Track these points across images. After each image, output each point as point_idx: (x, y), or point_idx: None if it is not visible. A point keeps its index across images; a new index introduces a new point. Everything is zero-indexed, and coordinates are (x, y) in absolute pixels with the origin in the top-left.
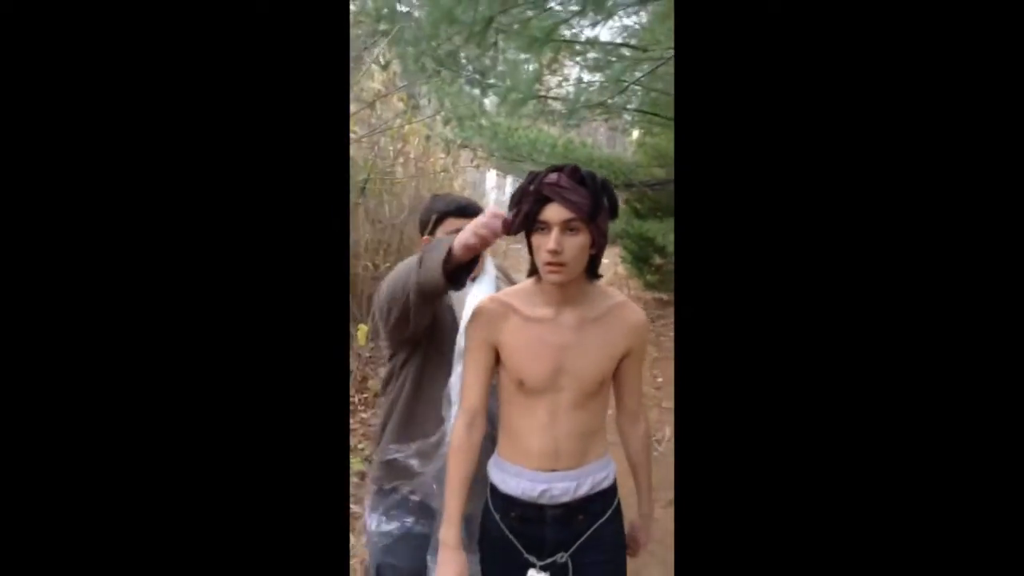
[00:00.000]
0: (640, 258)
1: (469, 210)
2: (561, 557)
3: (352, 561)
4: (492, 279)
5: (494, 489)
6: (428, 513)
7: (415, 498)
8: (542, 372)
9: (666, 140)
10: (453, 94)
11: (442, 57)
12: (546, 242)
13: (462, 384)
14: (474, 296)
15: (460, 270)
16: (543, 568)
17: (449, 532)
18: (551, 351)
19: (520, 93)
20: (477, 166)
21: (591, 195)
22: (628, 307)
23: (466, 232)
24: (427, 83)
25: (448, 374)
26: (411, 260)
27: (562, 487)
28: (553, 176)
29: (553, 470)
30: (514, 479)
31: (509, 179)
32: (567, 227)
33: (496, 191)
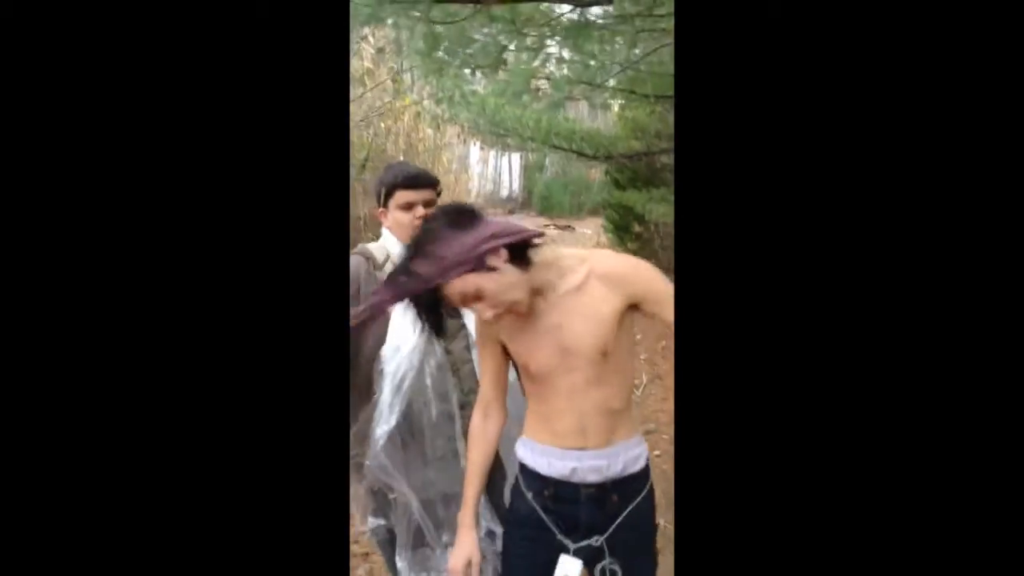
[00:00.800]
0: (621, 227)
1: (420, 180)
2: (596, 541)
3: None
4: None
5: (523, 467)
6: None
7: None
8: (543, 357)
9: (643, 113)
10: (445, 74)
11: (437, 40)
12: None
13: (480, 374)
14: None
15: None
16: (576, 552)
17: (465, 513)
18: (544, 335)
19: (517, 86)
20: (464, 140)
21: (489, 237)
22: (601, 263)
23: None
24: (419, 64)
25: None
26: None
27: (592, 465)
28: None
29: (583, 448)
30: (543, 457)
31: (492, 152)
32: (457, 296)
33: (480, 164)
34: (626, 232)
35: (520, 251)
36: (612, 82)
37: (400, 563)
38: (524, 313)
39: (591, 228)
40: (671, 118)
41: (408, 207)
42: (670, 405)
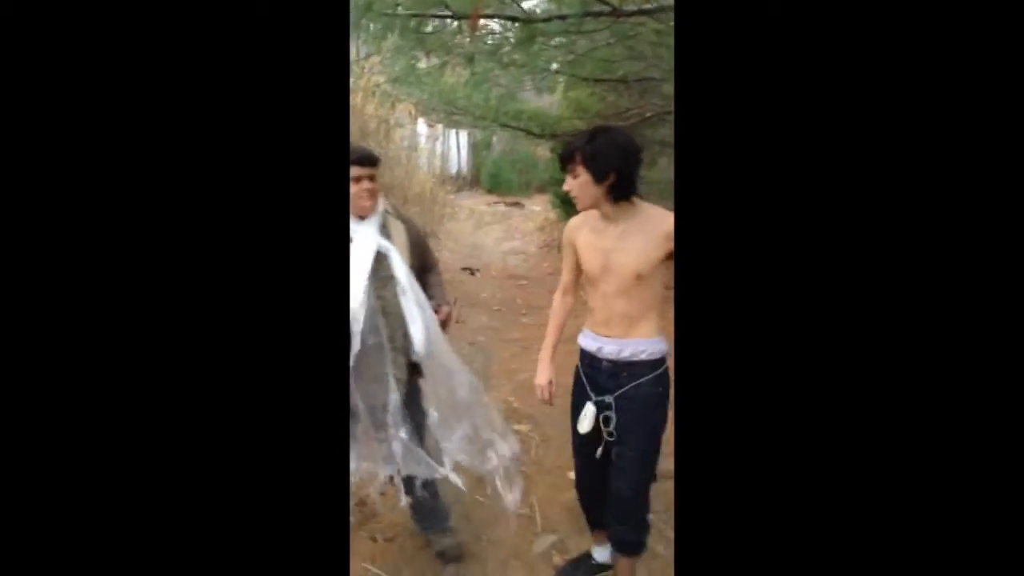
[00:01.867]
0: (567, 202)
1: (367, 159)
2: (607, 398)
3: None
4: (379, 216)
5: (580, 348)
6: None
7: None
8: (592, 267)
9: (585, 95)
10: (399, 55)
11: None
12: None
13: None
14: (361, 234)
15: None
16: (596, 403)
17: (544, 352)
18: (599, 252)
19: (480, 76)
20: (415, 118)
21: (580, 148)
22: (661, 216)
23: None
24: (373, 46)
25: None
26: None
27: (610, 348)
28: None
29: (607, 336)
30: (585, 338)
31: (440, 128)
32: (571, 173)
33: (430, 142)
34: (572, 207)
35: (625, 191)
36: (555, 66)
37: (352, 453)
38: (601, 225)
39: (539, 205)
40: (611, 99)
41: (357, 180)
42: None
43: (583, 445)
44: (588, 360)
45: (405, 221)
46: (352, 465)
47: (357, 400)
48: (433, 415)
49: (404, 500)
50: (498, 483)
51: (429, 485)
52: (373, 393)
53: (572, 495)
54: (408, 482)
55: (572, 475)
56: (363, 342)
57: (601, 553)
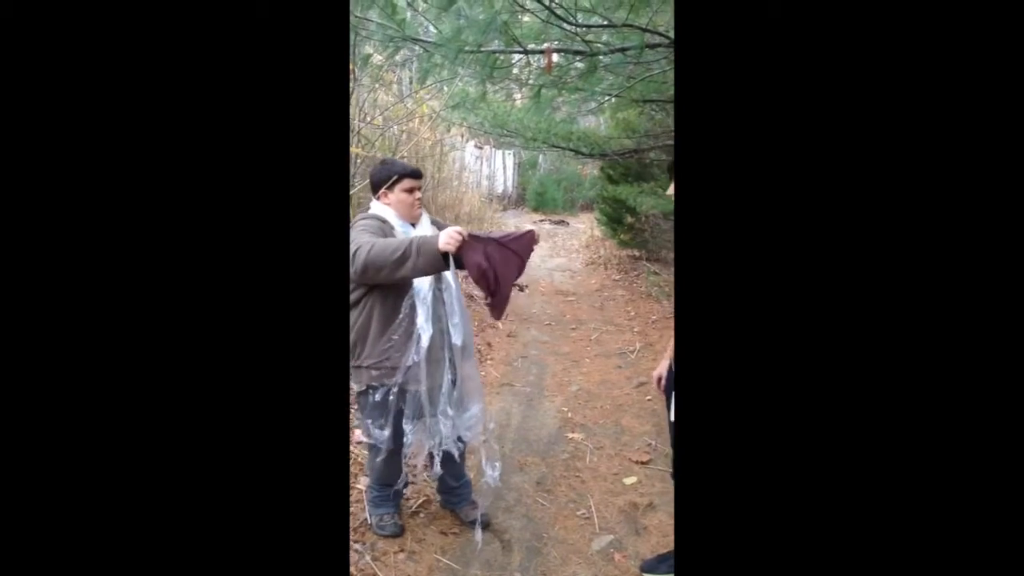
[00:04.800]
0: (614, 219)
1: (418, 173)
2: None
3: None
4: (428, 221)
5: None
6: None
7: (394, 392)
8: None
9: (634, 115)
10: (465, 82)
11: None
12: None
13: None
14: (419, 234)
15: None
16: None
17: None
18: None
19: (543, 104)
20: (465, 140)
21: None
22: None
23: (444, 238)
24: (442, 76)
25: (401, 295)
26: (391, 245)
27: None
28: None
29: None
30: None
31: (488, 148)
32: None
33: (477, 161)
34: (619, 224)
35: None
36: (611, 92)
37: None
38: None
39: (584, 223)
40: (659, 117)
41: (410, 191)
42: (656, 363)
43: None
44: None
45: (438, 225)
46: (408, 439)
47: (423, 380)
48: (456, 394)
49: (437, 470)
50: (483, 454)
51: (450, 459)
52: (433, 374)
53: (626, 499)
54: (448, 457)
55: (626, 480)
56: (431, 330)
57: None
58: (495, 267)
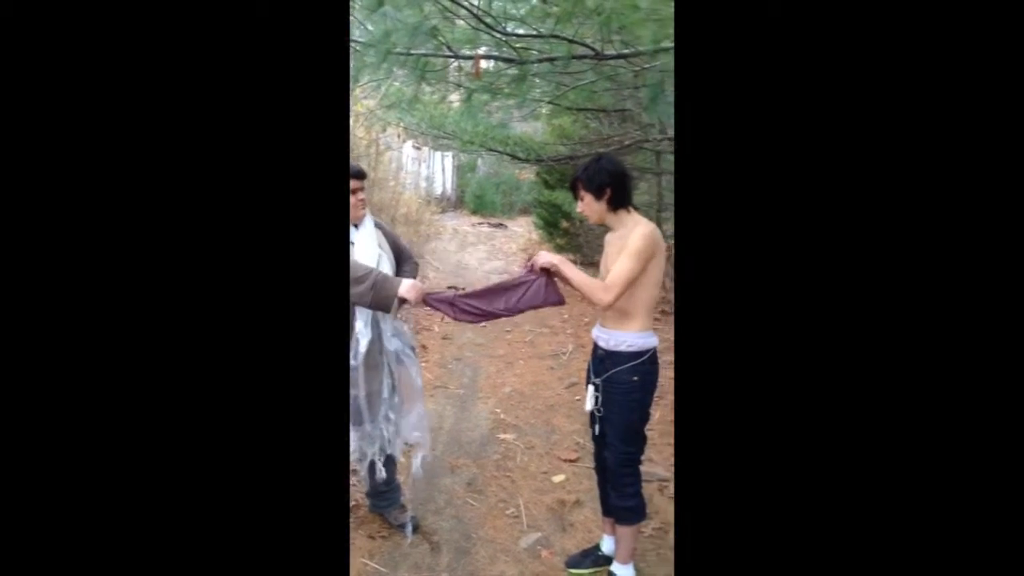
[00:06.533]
0: (551, 223)
1: (360, 173)
2: (598, 380)
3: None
4: (371, 223)
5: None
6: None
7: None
8: (601, 266)
9: (568, 122)
10: (401, 83)
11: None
12: None
13: None
14: (359, 238)
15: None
16: (592, 384)
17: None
18: (603, 256)
19: (475, 107)
20: (402, 140)
21: (579, 176)
22: (633, 226)
23: (409, 290)
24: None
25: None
26: (363, 288)
27: (603, 338)
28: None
29: (603, 327)
30: (594, 329)
31: (426, 150)
32: (579, 198)
33: (414, 162)
34: (555, 228)
35: (621, 201)
36: (543, 99)
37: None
38: (609, 236)
39: (522, 226)
40: (593, 125)
41: (353, 192)
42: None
43: (590, 424)
44: (593, 348)
45: (381, 226)
46: (352, 446)
47: (361, 386)
48: (396, 398)
49: (380, 475)
50: (419, 454)
51: (390, 463)
52: (371, 380)
53: (554, 497)
54: (389, 460)
55: (555, 479)
56: (370, 335)
57: (608, 545)
58: (469, 312)
